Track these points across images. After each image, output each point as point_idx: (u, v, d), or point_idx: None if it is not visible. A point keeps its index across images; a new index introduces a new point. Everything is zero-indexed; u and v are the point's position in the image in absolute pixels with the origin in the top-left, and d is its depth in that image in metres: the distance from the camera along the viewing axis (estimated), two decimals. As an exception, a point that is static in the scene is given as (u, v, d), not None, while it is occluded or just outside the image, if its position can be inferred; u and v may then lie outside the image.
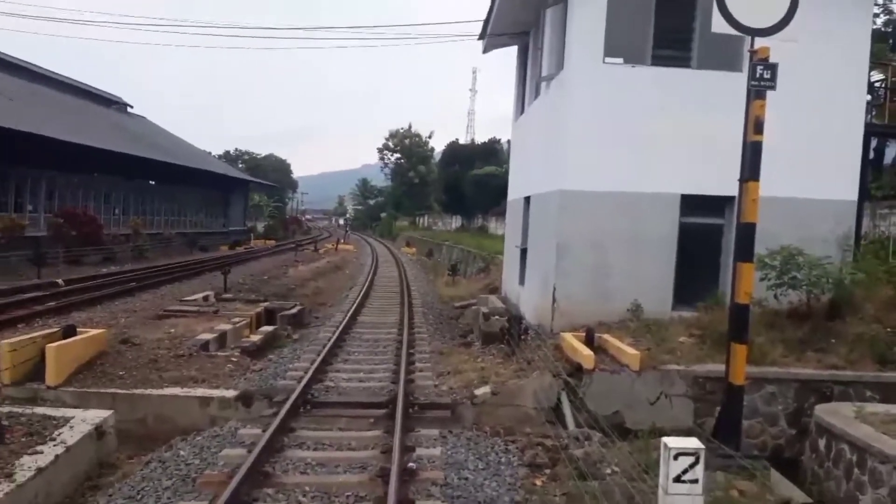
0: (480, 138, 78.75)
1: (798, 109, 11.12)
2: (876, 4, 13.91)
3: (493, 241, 33.74)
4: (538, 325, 12.72)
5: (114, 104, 52.50)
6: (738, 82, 8.86)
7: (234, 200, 59.92)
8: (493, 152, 60.79)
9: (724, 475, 6.72)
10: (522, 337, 12.02)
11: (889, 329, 10.53)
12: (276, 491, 6.29)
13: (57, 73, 45.21)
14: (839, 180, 12.05)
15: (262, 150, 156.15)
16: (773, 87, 7.47)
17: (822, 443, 8.19)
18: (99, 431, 7.55)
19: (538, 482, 6.84)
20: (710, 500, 5.66)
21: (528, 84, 17.20)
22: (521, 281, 15.73)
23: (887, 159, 18.79)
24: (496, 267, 22.95)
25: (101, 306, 15.88)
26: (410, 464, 6.85)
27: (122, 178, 38.81)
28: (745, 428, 8.69)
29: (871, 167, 16.42)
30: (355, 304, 17.82)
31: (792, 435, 9.43)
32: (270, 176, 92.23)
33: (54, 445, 6.89)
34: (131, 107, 55.68)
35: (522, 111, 17.93)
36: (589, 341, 10.38)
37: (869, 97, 14.16)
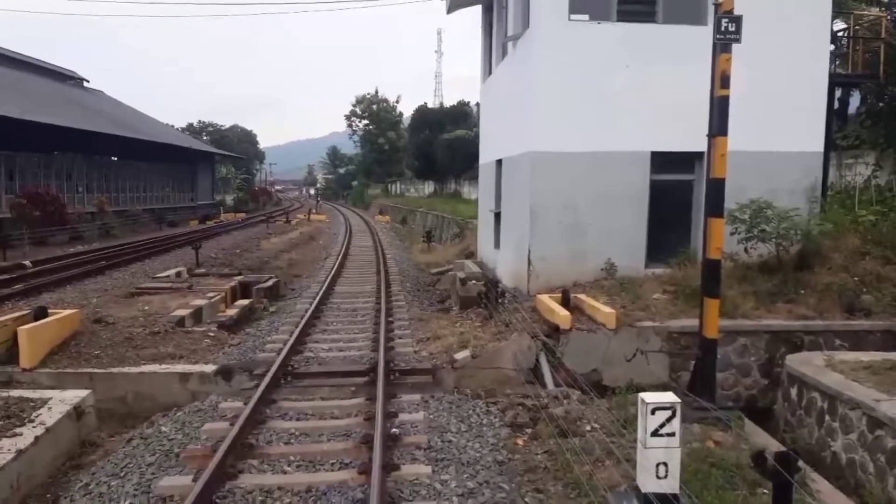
0: (449, 101, 78.20)
1: (763, 62, 11.18)
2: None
3: (467, 206, 33.72)
4: (515, 288, 12.82)
5: (69, 79, 50.89)
6: (703, 36, 8.85)
7: (201, 174, 58.87)
8: (463, 115, 60.25)
9: (700, 427, 6.90)
10: (500, 300, 12.11)
11: (856, 278, 10.80)
12: (261, 462, 6.32)
13: (6, 49, 43.56)
14: (805, 132, 12.20)
15: (226, 122, 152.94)
16: (738, 40, 7.45)
17: (793, 392, 8.43)
18: (78, 411, 7.49)
19: (520, 442, 6.95)
20: (688, 452, 5.81)
21: (494, 44, 17.02)
22: (497, 245, 15.78)
23: (851, 109, 18.97)
24: (471, 232, 22.98)
25: (71, 286, 15.60)
26: (394, 429, 6.92)
27: (83, 155, 37.86)
28: (720, 380, 8.90)
29: (836, 117, 16.59)
30: (331, 274, 17.75)
31: (764, 385, 9.70)
32: (237, 147, 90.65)
33: (33, 427, 6.82)
34: (87, 81, 54.04)
35: (490, 72, 17.77)
36: (565, 302, 10.50)
37: (832, 47, 14.25)
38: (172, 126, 73.60)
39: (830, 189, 14.88)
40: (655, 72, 11.70)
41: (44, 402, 7.51)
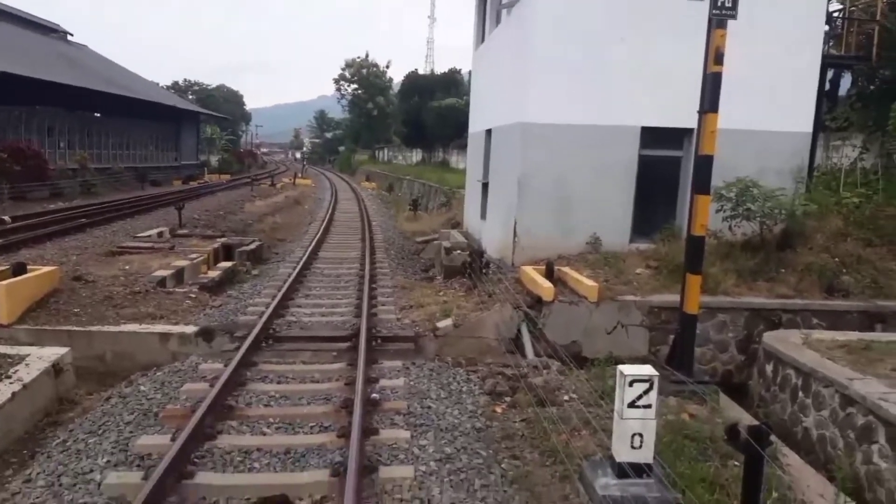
0: (441, 68, 77.19)
1: (757, 40, 11.09)
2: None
3: (454, 175, 33.57)
4: (500, 259, 12.83)
5: (52, 32, 49.56)
6: (699, 10, 8.76)
7: (186, 133, 57.99)
8: (454, 83, 59.62)
9: (676, 400, 7.00)
10: (484, 271, 12.11)
11: (837, 259, 10.91)
12: (240, 423, 6.34)
13: (-12, 0, 42.41)
14: (795, 112, 12.17)
15: (212, 81, 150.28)
16: (734, 16, 7.40)
17: (769, 368, 8.55)
18: (56, 368, 7.44)
19: (499, 409, 7.02)
20: (663, 424, 5.89)
21: (488, 11, 16.80)
22: (483, 215, 15.75)
23: (842, 91, 18.99)
24: (458, 201, 22.92)
25: (50, 243, 15.41)
26: (374, 394, 6.95)
27: (65, 110, 37.09)
28: (697, 355, 9.00)
29: (826, 98, 16.60)
30: (315, 240, 17.67)
31: (741, 361, 9.85)
32: (223, 108, 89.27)
33: (10, 383, 6.76)
34: (71, 35, 52.74)
35: (483, 40, 17.56)
36: (548, 274, 10.53)
37: (827, 27, 14.20)
38: (157, 84, 72.25)
39: (817, 170, 14.95)
40: (650, 45, 11.60)
41: (21, 358, 7.44)
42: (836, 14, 16.18)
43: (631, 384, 4.75)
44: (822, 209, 12.03)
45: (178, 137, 55.76)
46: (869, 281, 10.53)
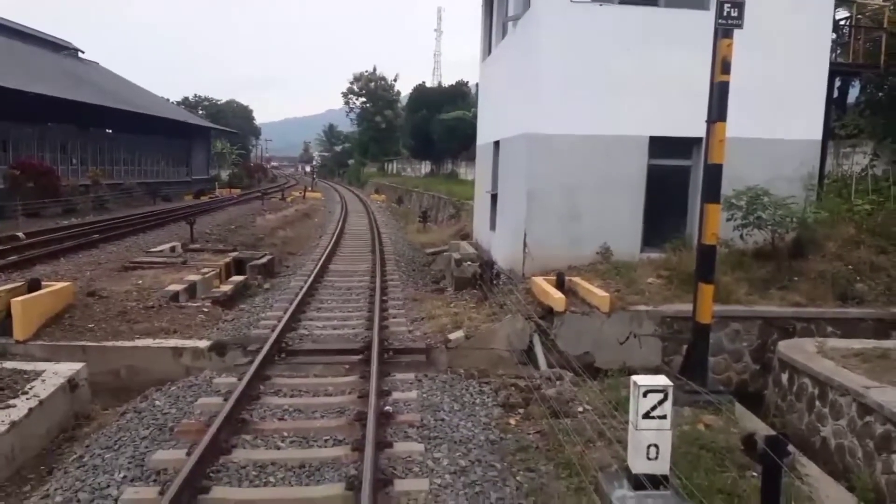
0: (448, 81, 77.31)
1: (764, 49, 11.12)
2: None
3: (463, 187, 33.64)
4: (510, 270, 12.83)
5: (64, 49, 50.23)
6: (705, 21, 8.78)
7: (197, 148, 58.50)
8: (461, 95, 59.86)
9: (691, 410, 6.96)
10: (494, 282, 12.13)
11: (850, 266, 10.84)
12: (255, 437, 6.36)
13: (1, 18, 42.93)
14: (804, 120, 12.16)
15: (222, 97, 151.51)
16: (740, 26, 7.41)
17: (784, 377, 8.49)
18: (72, 384, 7.50)
19: (512, 421, 7.00)
20: (678, 435, 5.86)
21: (494, 24, 16.89)
22: (493, 226, 15.76)
23: (850, 98, 18.96)
24: (467, 213, 22.97)
25: (64, 259, 15.55)
26: (387, 407, 6.96)
27: (77, 127, 37.52)
28: (711, 365, 8.96)
29: (835, 106, 16.56)
30: (326, 253, 17.72)
31: (756, 370, 9.79)
32: (233, 122, 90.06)
33: (27, 399, 6.83)
34: (83, 52, 53.40)
35: (489, 52, 17.65)
36: (559, 284, 10.52)
37: (834, 36, 14.19)
38: (168, 100, 72.94)
39: (827, 178, 14.89)
40: (656, 56, 11.63)
41: (37, 374, 7.52)
42: (842, 22, 16.18)
43: (645, 395, 4.73)
44: (833, 217, 11.98)
45: (189, 153, 56.24)
46: (883, 288, 10.45)
